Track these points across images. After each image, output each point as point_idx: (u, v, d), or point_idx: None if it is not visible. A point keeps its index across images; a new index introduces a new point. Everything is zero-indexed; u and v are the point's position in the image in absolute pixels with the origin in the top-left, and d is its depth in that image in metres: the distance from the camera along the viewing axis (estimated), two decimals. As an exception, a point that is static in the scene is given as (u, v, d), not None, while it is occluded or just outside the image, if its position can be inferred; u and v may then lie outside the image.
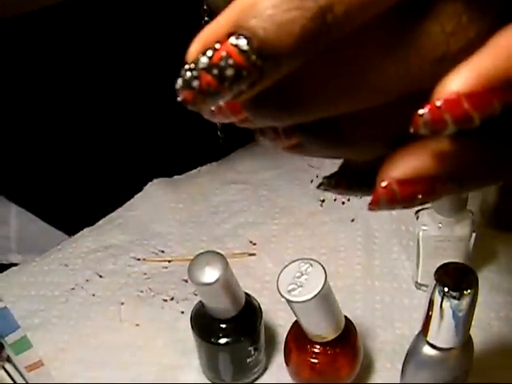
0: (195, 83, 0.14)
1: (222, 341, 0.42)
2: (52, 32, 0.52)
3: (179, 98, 0.14)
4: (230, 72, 0.14)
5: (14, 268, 0.55)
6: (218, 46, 0.14)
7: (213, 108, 0.17)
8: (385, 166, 0.17)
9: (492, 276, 0.50)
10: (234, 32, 0.14)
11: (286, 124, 0.17)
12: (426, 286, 0.35)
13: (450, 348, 0.36)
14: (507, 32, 0.15)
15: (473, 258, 0.48)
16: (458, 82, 0.15)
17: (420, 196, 0.17)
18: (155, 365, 0.47)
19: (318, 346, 0.40)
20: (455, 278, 0.33)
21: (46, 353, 0.48)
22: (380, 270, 0.52)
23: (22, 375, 0.34)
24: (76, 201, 0.60)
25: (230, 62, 0.14)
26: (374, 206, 0.17)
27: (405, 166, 0.17)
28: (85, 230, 0.58)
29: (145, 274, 0.54)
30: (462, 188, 0.17)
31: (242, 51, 0.14)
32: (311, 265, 0.36)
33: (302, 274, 0.36)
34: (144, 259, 0.55)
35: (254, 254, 0.54)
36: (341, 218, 0.57)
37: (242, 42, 0.14)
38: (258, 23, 0.14)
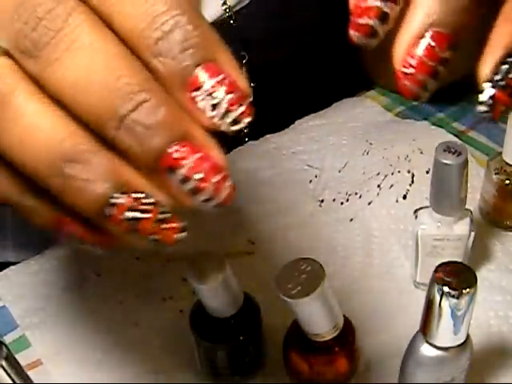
0: None
1: (221, 340, 0.42)
2: None
3: None
4: None
5: (12, 267, 0.55)
6: None
7: None
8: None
9: (491, 275, 0.50)
10: None
11: None
12: (425, 285, 0.35)
13: (449, 347, 0.36)
14: None
15: (472, 257, 0.48)
16: None
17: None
18: (154, 364, 0.47)
19: (316, 346, 0.40)
20: (454, 277, 0.33)
21: (45, 352, 0.48)
22: (379, 269, 0.52)
23: (20, 375, 0.34)
24: None
25: None
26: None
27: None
28: (83, 229, 0.58)
29: (143, 272, 0.54)
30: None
31: None
32: (310, 264, 0.36)
33: (301, 274, 0.36)
34: (142, 258, 0.55)
35: (252, 253, 0.54)
36: (340, 218, 0.57)
37: None
38: None
